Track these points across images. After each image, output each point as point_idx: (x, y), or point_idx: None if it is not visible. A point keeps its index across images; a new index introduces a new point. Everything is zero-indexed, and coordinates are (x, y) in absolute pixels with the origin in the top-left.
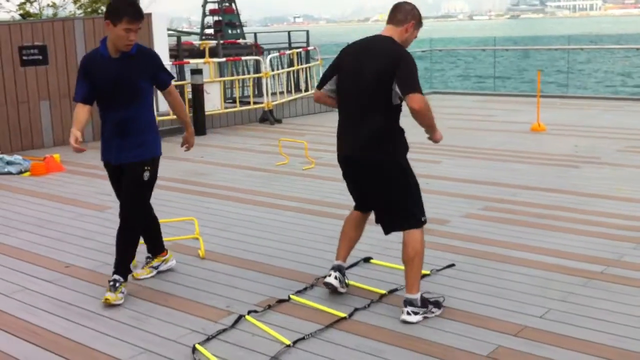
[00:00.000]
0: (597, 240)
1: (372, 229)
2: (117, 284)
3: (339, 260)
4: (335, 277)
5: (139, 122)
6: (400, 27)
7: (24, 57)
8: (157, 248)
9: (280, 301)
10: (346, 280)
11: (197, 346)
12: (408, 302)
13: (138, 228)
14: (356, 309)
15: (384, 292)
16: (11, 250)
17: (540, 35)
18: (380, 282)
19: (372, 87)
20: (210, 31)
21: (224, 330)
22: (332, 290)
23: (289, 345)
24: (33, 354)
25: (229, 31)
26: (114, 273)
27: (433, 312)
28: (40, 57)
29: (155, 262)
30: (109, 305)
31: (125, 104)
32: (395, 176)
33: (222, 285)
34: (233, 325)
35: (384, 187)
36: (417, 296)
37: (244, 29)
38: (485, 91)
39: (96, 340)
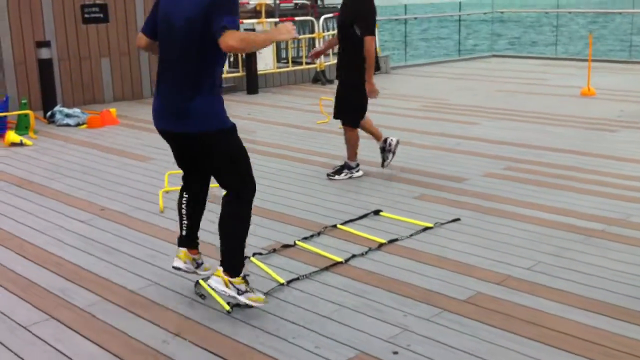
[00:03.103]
0: (607, 200)
1: (386, 184)
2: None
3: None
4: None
5: None
6: None
7: (86, 15)
8: None
9: (286, 246)
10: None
11: (200, 281)
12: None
13: None
14: (354, 255)
15: (384, 241)
16: (54, 193)
17: None
18: (383, 233)
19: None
20: None
21: None
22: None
23: (282, 284)
24: (53, 281)
25: None
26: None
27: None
28: (101, 15)
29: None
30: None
31: None
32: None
33: None
34: None
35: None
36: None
37: None
38: (546, 55)
39: (112, 273)
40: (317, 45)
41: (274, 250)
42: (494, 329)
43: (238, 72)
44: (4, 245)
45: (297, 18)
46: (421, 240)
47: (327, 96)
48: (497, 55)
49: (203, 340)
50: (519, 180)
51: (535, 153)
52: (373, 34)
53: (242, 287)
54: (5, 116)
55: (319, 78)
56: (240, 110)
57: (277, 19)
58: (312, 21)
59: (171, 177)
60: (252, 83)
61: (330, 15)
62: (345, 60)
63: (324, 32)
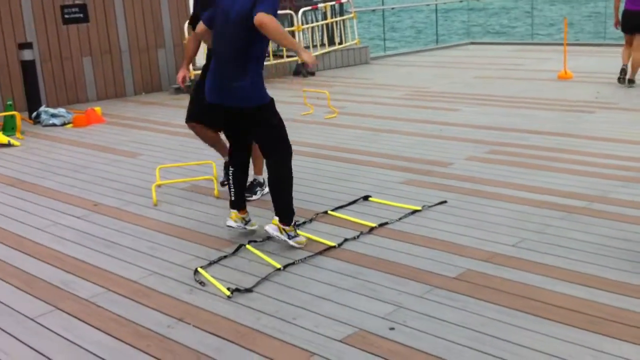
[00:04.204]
0: (587, 178)
1: (374, 171)
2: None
3: None
4: None
5: None
6: None
7: (66, 16)
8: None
9: None
10: None
11: (199, 269)
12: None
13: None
14: (346, 239)
15: (374, 225)
16: (47, 192)
17: None
18: (373, 217)
19: None
20: None
21: (225, 256)
22: None
23: (279, 269)
24: (55, 274)
25: None
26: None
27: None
28: (81, 15)
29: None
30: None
31: None
32: None
33: None
34: (234, 253)
35: None
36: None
37: None
38: (522, 40)
39: (112, 265)
40: (296, 38)
41: (269, 238)
42: (483, 302)
43: None
44: (3, 243)
45: None
46: (410, 223)
47: (310, 88)
48: (474, 42)
49: (206, 324)
50: (501, 163)
51: (516, 136)
52: None
53: (292, 233)
54: None
55: (299, 70)
56: None
57: None
58: (290, 14)
59: (162, 172)
60: None
61: (309, 8)
62: None
63: (302, 24)
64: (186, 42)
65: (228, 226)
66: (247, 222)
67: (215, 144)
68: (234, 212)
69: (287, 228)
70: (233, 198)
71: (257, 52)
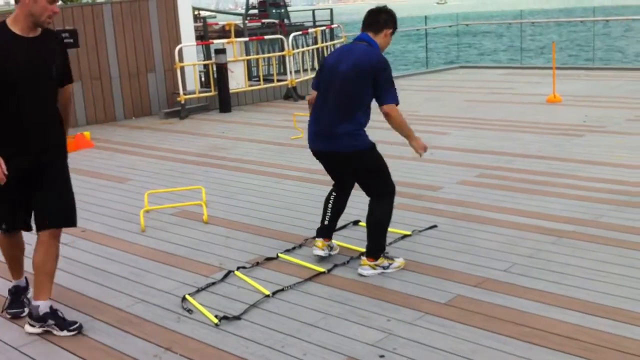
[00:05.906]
0: (577, 202)
1: (363, 195)
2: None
3: None
4: None
5: None
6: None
7: None
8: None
9: (269, 259)
10: None
11: (187, 296)
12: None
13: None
14: (335, 265)
15: (364, 250)
16: None
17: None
18: (363, 242)
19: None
20: (255, 11)
21: (213, 283)
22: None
23: (268, 295)
24: None
25: (273, 11)
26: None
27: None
28: (71, 41)
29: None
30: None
31: None
32: None
33: (219, 245)
34: (222, 279)
35: None
36: None
37: (288, 8)
38: (512, 64)
39: (99, 292)
40: (287, 62)
41: (258, 264)
42: (475, 329)
43: (210, 91)
44: None
45: (266, 37)
46: (400, 248)
47: (300, 112)
48: (464, 66)
49: (194, 353)
50: (491, 187)
51: (506, 160)
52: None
53: (385, 263)
54: None
55: (290, 94)
56: (213, 129)
57: (246, 39)
58: (281, 39)
59: (151, 197)
60: (225, 101)
61: (299, 33)
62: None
63: (293, 49)
64: None
65: (316, 255)
66: (331, 248)
67: (16, 261)
68: (320, 241)
69: (377, 262)
70: (325, 223)
71: (366, 102)
